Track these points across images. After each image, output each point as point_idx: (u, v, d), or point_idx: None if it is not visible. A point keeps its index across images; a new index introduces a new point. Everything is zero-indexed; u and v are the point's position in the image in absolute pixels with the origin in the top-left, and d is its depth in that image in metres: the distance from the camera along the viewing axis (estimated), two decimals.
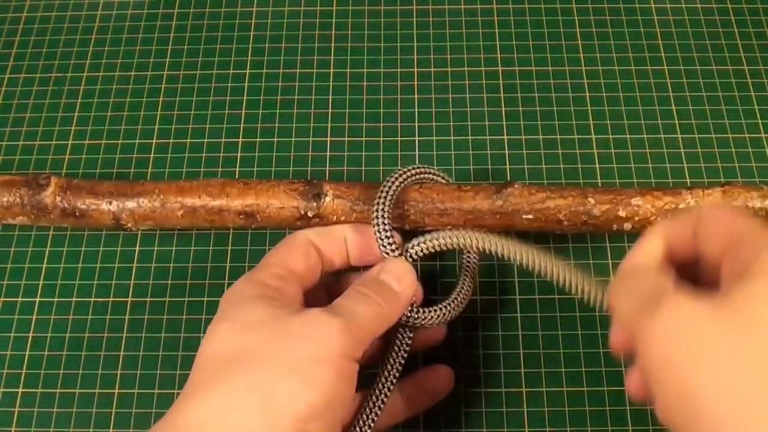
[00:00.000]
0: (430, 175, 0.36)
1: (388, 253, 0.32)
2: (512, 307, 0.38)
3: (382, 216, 0.32)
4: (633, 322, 0.23)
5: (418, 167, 0.35)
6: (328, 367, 0.26)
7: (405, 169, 0.34)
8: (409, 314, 0.32)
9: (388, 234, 0.32)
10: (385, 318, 0.30)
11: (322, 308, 0.28)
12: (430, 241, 0.32)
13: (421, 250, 0.32)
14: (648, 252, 0.26)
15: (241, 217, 0.36)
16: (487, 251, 0.32)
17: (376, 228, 0.32)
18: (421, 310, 0.32)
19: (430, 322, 0.32)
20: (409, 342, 0.32)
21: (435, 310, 0.32)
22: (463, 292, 0.34)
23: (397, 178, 0.34)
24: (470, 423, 0.35)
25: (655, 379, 0.22)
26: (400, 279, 0.31)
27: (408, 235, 0.34)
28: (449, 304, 0.33)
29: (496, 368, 0.36)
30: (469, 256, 0.35)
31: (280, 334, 0.27)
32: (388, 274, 0.31)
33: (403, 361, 0.32)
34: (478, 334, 0.37)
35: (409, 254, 0.32)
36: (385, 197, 0.33)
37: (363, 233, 0.34)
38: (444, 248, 0.32)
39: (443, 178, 0.37)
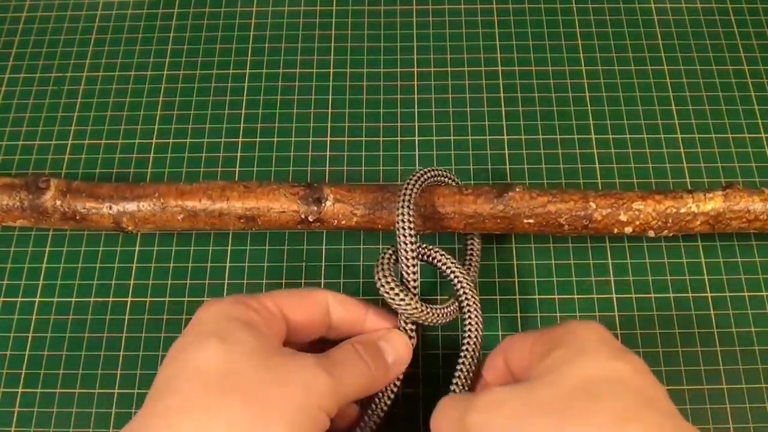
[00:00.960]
0: (442, 178, 0.36)
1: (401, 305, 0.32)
2: (512, 307, 0.37)
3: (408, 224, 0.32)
4: (455, 425, 0.27)
5: (432, 170, 0.35)
6: (309, 417, 0.26)
7: (415, 180, 0.34)
8: (419, 312, 0.32)
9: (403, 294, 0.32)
10: (371, 385, 0.30)
11: (317, 357, 0.28)
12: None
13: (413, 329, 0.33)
14: (493, 366, 0.31)
15: (242, 221, 0.36)
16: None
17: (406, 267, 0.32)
18: (430, 309, 0.32)
19: (436, 321, 0.32)
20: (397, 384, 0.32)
21: (442, 311, 0.33)
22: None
23: (410, 192, 0.33)
24: None
25: None
26: (397, 352, 0.31)
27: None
28: (452, 308, 0.33)
29: None
30: (471, 255, 0.35)
31: (274, 373, 0.26)
32: (387, 344, 0.31)
33: (392, 396, 0.32)
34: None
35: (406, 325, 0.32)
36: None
37: (383, 322, 0.33)
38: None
39: (454, 180, 0.37)
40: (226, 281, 0.38)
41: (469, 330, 0.33)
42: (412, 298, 0.31)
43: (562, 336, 0.27)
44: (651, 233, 0.36)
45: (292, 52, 0.46)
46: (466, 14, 0.47)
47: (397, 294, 0.31)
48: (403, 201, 0.33)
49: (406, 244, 0.32)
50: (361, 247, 0.39)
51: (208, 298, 0.38)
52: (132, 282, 0.39)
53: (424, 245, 0.33)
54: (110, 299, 0.38)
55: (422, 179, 0.34)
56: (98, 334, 0.37)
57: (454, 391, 0.32)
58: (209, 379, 0.26)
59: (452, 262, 0.33)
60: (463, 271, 0.33)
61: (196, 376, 0.26)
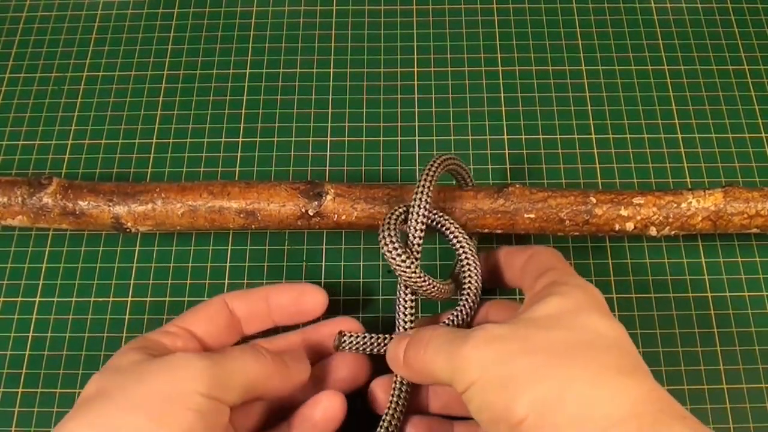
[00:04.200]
0: (460, 169, 0.36)
1: (403, 269, 0.32)
2: None
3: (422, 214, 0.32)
4: (446, 353, 0.27)
5: (448, 157, 0.34)
6: (184, 405, 0.26)
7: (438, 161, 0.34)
8: (417, 277, 0.31)
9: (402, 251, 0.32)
10: (266, 377, 0.29)
11: (194, 351, 0.28)
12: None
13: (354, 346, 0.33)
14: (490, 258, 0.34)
15: (242, 215, 0.36)
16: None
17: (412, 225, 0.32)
18: (428, 278, 0.32)
19: (432, 293, 0.32)
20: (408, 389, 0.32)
21: (440, 285, 0.32)
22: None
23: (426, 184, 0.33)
24: None
25: (471, 390, 0.26)
26: (297, 362, 0.31)
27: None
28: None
29: None
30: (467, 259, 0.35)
31: (137, 375, 0.27)
32: (288, 353, 0.31)
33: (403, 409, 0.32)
34: None
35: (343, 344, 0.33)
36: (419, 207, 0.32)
37: (288, 292, 0.34)
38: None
39: (469, 177, 0.37)
40: (226, 281, 0.38)
41: (467, 296, 0.33)
42: (413, 263, 0.31)
43: (556, 286, 0.28)
44: (653, 230, 0.36)
45: (292, 52, 0.46)
46: (466, 14, 0.47)
47: (398, 255, 0.31)
48: (431, 167, 0.33)
49: (420, 206, 0.32)
50: (361, 247, 0.39)
51: (208, 298, 0.38)
52: (132, 282, 0.39)
53: (435, 210, 0.33)
54: (110, 299, 0.38)
55: (447, 161, 0.34)
56: (98, 334, 0.37)
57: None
58: (86, 406, 0.27)
59: (460, 232, 0.33)
60: (470, 243, 0.33)
61: (78, 407, 0.27)
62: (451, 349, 0.27)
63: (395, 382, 0.32)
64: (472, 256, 0.33)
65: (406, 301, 0.32)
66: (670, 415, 0.24)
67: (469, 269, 0.33)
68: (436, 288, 0.32)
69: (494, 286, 0.35)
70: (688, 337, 0.37)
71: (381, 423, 0.31)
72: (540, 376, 0.25)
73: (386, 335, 0.33)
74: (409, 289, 0.32)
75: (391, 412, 0.31)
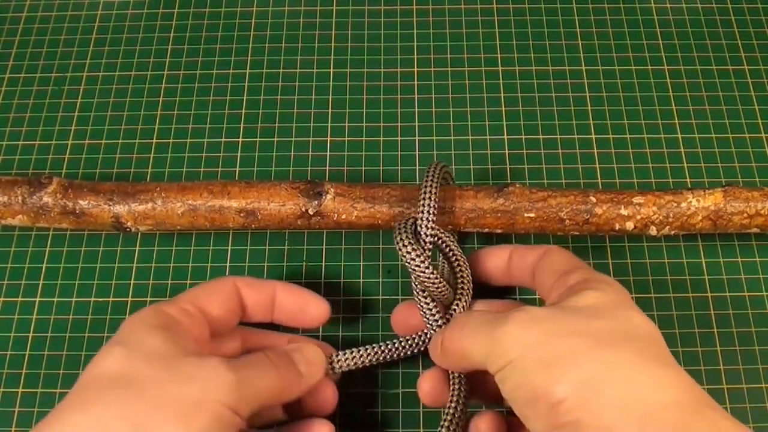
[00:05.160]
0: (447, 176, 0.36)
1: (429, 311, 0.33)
2: None
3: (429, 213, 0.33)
4: (484, 333, 0.27)
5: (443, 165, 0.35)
6: (208, 412, 0.26)
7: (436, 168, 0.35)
8: (434, 278, 0.32)
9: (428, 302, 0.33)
10: (281, 391, 0.29)
11: (224, 359, 0.28)
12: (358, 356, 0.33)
13: (347, 363, 0.33)
14: (498, 257, 0.34)
15: (242, 215, 0.36)
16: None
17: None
18: (442, 280, 0.32)
19: (443, 295, 0.33)
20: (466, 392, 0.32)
21: (448, 289, 0.33)
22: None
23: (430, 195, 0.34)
24: None
25: (507, 368, 0.26)
26: (309, 364, 0.31)
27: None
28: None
29: None
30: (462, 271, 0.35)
31: (169, 371, 0.27)
32: (299, 354, 0.31)
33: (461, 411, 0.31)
34: None
35: (333, 366, 0.33)
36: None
37: (295, 296, 0.34)
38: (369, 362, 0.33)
39: (452, 177, 0.37)
40: None
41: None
42: (428, 266, 0.32)
43: (591, 282, 0.28)
44: (653, 229, 0.36)
45: (292, 52, 0.46)
46: (466, 14, 0.47)
47: (414, 258, 0.32)
48: (431, 178, 0.33)
49: (428, 218, 0.33)
50: (361, 247, 0.39)
51: None
52: (132, 282, 0.39)
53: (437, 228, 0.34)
54: (110, 299, 0.38)
55: (443, 168, 0.35)
56: (98, 334, 0.37)
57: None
58: (106, 379, 0.26)
59: (459, 251, 0.34)
60: (467, 263, 0.34)
61: (95, 378, 0.27)
62: (489, 329, 0.27)
63: (452, 376, 0.32)
64: (467, 270, 0.34)
65: (427, 303, 0.33)
66: (711, 407, 0.24)
67: (462, 282, 0.34)
68: (446, 289, 0.33)
69: (496, 282, 0.35)
70: (688, 337, 0.37)
71: (444, 417, 0.31)
72: (583, 359, 0.25)
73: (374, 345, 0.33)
74: (426, 292, 0.33)
75: (453, 404, 0.31)
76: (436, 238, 0.33)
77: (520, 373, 0.26)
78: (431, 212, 0.33)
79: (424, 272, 0.32)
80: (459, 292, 0.34)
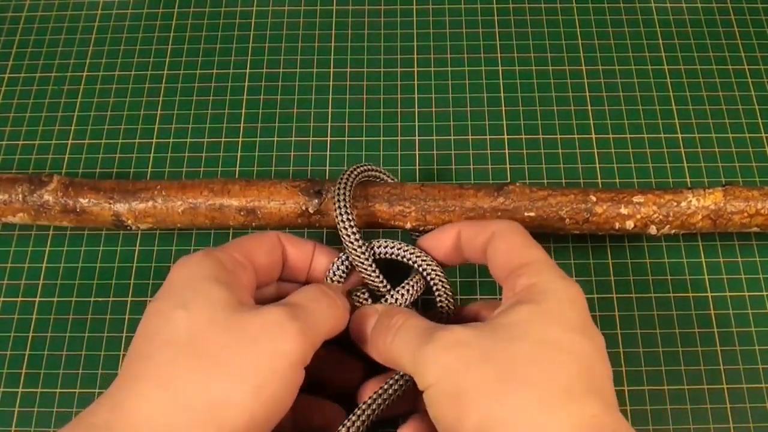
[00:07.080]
0: (376, 173, 0.36)
1: (354, 247, 0.33)
2: None
3: (346, 213, 0.33)
4: (412, 348, 0.27)
5: (364, 165, 0.35)
6: (280, 378, 0.26)
7: (351, 170, 0.35)
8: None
9: (354, 230, 0.33)
10: (338, 319, 0.29)
11: (280, 305, 0.28)
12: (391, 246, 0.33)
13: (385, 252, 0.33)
14: (444, 240, 0.33)
15: (242, 213, 0.36)
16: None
17: (342, 224, 0.33)
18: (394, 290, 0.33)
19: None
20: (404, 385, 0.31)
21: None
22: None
23: (347, 179, 0.34)
24: None
25: (428, 392, 0.27)
26: (341, 297, 0.31)
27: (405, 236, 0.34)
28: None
29: None
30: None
31: (238, 335, 0.26)
32: (329, 288, 0.31)
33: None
34: None
35: (373, 252, 0.33)
36: (344, 193, 0.33)
37: (329, 257, 0.34)
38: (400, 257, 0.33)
39: (389, 177, 0.37)
40: None
41: (440, 301, 0.33)
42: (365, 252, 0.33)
43: (534, 292, 0.28)
44: (653, 229, 0.36)
45: (292, 52, 0.46)
46: (466, 14, 0.47)
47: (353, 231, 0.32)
48: (340, 200, 0.33)
49: (356, 249, 0.33)
50: None
51: None
52: (132, 282, 0.39)
53: (370, 242, 0.34)
54: (110, 299, 0.38)
55: (353, 175, 0.34)
56: (98, 334, 0.37)
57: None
58: (176, 349, 0.26)
59: (407, 248, 0.34)
60: (422, 252, 0.34)
61: (165, 347, 0.26)
62: (417, 344, 0.27)
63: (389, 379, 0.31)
64: (432, 262, 0.34)
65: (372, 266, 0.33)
66: None
67: (435, 276, 0.33)
68: (380, 281, 0.33)
69: (453, 264, 0.35)
70: (688, 337, 0.37)
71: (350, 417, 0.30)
72: (489, 395, 0.25)
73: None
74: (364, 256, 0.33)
75: (364, 407, 0.30)
76: (379, 255, 0.33)
77: (437, 400, 0.26)
78: (349, 225, 0.33)
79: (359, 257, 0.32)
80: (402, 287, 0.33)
